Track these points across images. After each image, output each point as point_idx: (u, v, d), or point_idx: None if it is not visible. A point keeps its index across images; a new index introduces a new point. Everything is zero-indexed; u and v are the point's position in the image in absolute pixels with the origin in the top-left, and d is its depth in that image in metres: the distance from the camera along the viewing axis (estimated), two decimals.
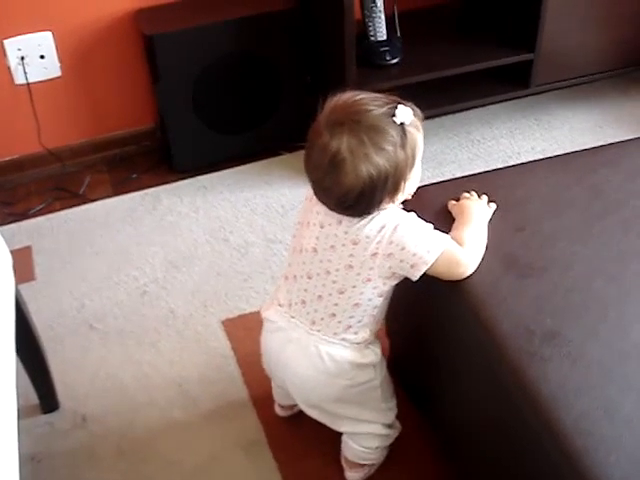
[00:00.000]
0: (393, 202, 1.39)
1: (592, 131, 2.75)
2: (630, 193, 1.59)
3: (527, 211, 1.56)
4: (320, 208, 1.42)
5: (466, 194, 1.58)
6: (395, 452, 1.72)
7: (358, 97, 1.35)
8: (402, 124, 1.32)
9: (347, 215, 1.38)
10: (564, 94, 2.87)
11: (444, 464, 1.71)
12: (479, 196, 1.58)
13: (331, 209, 1.39)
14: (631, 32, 2.67)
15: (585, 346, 1.28)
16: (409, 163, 1.34)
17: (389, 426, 1.65)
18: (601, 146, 1.79)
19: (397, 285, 1.47)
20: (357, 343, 1.48)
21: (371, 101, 1.33)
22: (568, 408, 1.19)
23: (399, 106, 1.33)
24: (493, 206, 1.56)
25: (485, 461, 1.47)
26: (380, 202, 1.36)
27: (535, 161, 1.77)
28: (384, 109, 1.32)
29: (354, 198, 1.33)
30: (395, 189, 1.35)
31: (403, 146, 1.32)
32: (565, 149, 2.53)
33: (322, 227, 1.42)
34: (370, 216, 1.38)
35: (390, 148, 1.31)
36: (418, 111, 1.38)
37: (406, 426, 1.71)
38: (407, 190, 1.40)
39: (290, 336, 1.51)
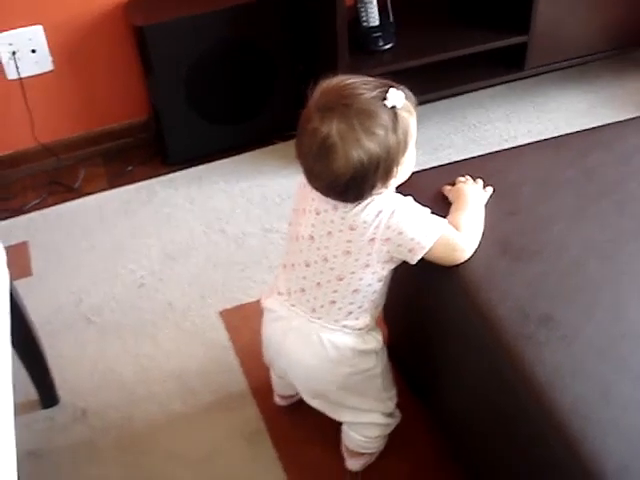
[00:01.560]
0: (386, 187, 1.37)
1: (587, 112, 2.74)
2: (624, 175, 1.58)
3: (521, 194, 1.55)
4: (315, 195, 1.41)
5: (461, 178, 1.58)
6: (395, 440, 1.72)
7: (349, 81, 1.33)
8: (393, 108, 1.30)
9: (340, 200, 1.37)
10: (559, 76, 2.86)
11: (443, 452, 1.71)
12: (474, 180, 1.57)
13: (324, 195, 1.38)
14: (624, 13, 2.65)
15: (580, 329, 1.28)
16: (401, 147, 1.33)
17: (389, 415, 1.64)
18: (594, 128, 1.78)
19: (393, 270, 1.46)
20: (358, 329, 1.48)
21: (362, 85, 1.32)
22: (564, 391, 1.19)
23: (390, 89, 1.31)
24: (489, 190, 1.55)
25: (483, 446, 1.47)
26: (373, 187, 1.34)
27: (529, 144, 1.76)
28: (375, 92, 1.30)
29: (345, 183, 1.31)
30: (387, 174, 1.34)
31: (395, 130, 1.30)
32: (561, 131, 2.51)
33: (318, 214, 1.42)
34: (366, 201, 1.36)
35: (381, 132, 1.29)
36: (410, 94, 1.36)
37: (405, 414, 1.71)
38: (400, 175, 1.38)
39: (291, 325, 1.51)
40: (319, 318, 1.47)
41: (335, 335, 1.47)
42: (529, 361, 1.24)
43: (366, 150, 1.28)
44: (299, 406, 1.74)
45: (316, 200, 1.42)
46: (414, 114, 1.36)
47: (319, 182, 1.36)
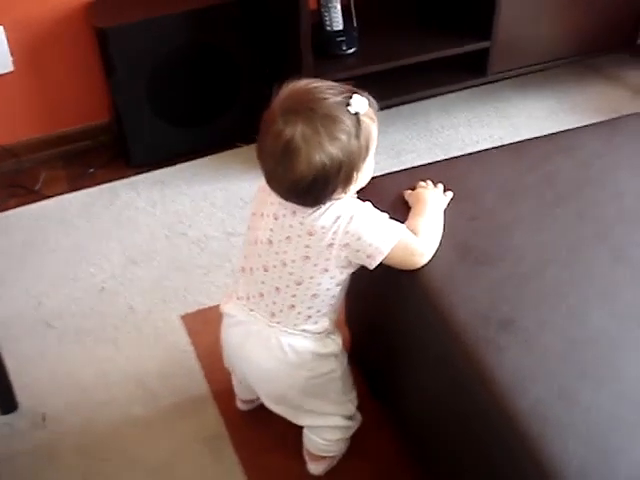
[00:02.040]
0: (345, 192, 1.38)
1: (549, 118, 2.77)
2: (583, 181, 1.60)
3: (482, 200, 1.57)
4: (274, 199, 1.41)
5: (422, 183, 1.58)
6: (357, 443, 1.72)
7: (313, 85, 1.34)
8: (357, 114, 1.31)
9: (299, 204, 1.37)
10: (521, 82, 2.89)
11: (405, 454, 1.72)
12: (435, 185, 1.58)
13: (283, 198, 1.38)
14: (585, 20, 2.69)
15: (540, 333, 1.29)
16: (362, 153, 1.34)
17: (350, 418, 1.65)
18: (554, 133, 1.80)
19: (355, 275, 1.46)
20: (317, 333, 1.48)
21: (326, 89, 1.32)
22: (524, 395, 1.20)
23: (354, 95, 1.31)
24: (449, 195, 1.56)
25: (444, 449, 1.48)
26: (332, 192, 1.35)
27: (489, 149, 1.77)
28: (339, 98, 1.31)
29: (306, 187, 1.31)
30: (348, 179, 1.35)
31: (357, 136, 1.31)
32: (522, 136, 2.51)
33: (276, 218, 1.41)
34: (324, 207, 1.37)
35: (344, 137, 1.30)
36: (373, 101, 1.37)
37: (367, 417, 1.71)
38: (360, 181, 1.39)
39: (250, 329, 1.50)
40: (278, 322, 1.47)
41: (294, 339, 1.47)
42: (489, 365, 1.25)
43: (328, 154, 1.29)
44: (260, 410, 1.73)
45: (275, 204, 1.42)
46: (376, 121, 1.37)
47: (280, 184, 1.36)
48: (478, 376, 1.25)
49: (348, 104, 1.30)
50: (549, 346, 1.27)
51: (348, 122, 1.30)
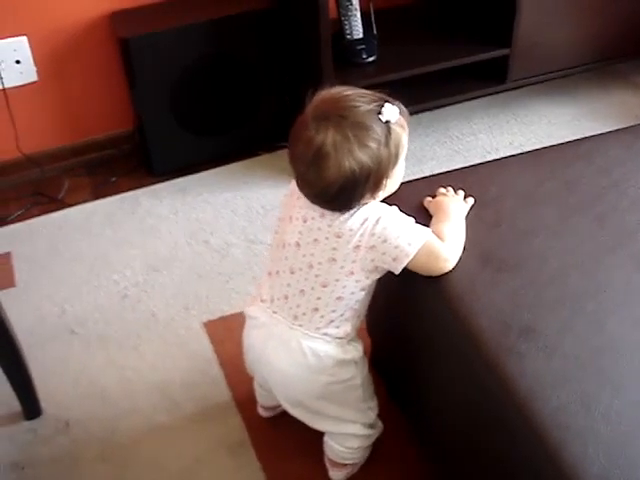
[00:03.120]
0: (374, 198, 1.39)
1: (569, 125, 2.77)
2: (604, 187, 1.60)
3: (503, 207, 1.57)
4: (303, 202, 1.42)
5: (442, 190, 1.59)
6: (378, 451, 1.72)
7: (346, 92, 1.35)
8: (387, 122, 1.32)
9: (328, 209, 1.39)
10: (541, 88, 2.89)
11: (427, 462, 1.72)
12: (455, 192, 1.59)
13: (312, 202, 1.40)
14: (606, 26, 2.69)
15: (561, 340, 1.29)
16: (392, 161, 1.35)
17: (370, 426, 1.65)
18: (575, 140, 1.80)
19: (377, 283, 1.47)
20: (339, 338, 1.48)
21: (358, 97, 1.34)
22: (545, 401, 1.20)
23: (386, 104, 1.33)
24: (470, 201, 1.57)
25: (465, 456, 1.48)
26: (361, 198, 1.36)
27: (510, 157, 1.78)
28: (371, 106, 1.32)
29: (335, 192, 1.33)
30: (376, 186, 1.36)
31: (387, 144, 1.32)
32: (543, 143, 2.54)
33: (305, 221, 1.43)
34: (352, 210, 1.38)
35: (374, 145, 1.31)
36: (404, 110, 1.38)
37: (388, 425, 1.71)
38: (389, 188, 1.41)
39: (272, 332, 1.51)
40: (300, 325, 1.48)
41: (316, 343, 1.47)
42: (510, 372, 1.25)
43: (358, 161, 1.30)
44: (283, 417, 1.74)
45: (304, 208, 1.43)
46: (406, 129, 1.38)
47: (310, 189, 1.38)
48: (499, 383, 1.25)
49: (379, 112, 1.32)
50: (570, 353, 1.27)
51: (378, 130, 1.32)
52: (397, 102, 1.36)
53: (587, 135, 1.85)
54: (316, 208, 1.40)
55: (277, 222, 1.53)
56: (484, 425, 1.34)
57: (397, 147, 1.35)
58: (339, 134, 1.30)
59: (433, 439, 1.66)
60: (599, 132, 1.87)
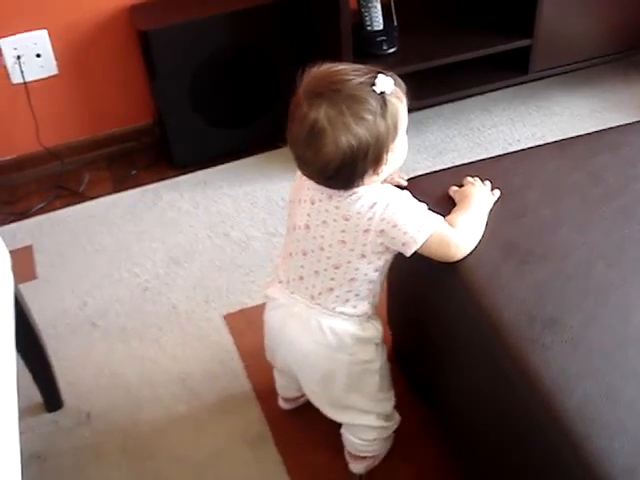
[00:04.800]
0: (377, 174, 1.37)
1: (592, 116, 2.74)
2: (630, 178, 1.58)
3: (527, 198, 1.55)
4: (310, 184, 1.41)
5: (469, 179, 1.57)
6: (399, 443, 1.72)
7: (337, 67, 1.33)
8: (382, 93, 1.30)
9: (332, 187, 1.37)
10: (563, 80, 2.86)
11: (448, 455, 1.71)
12: (482, 182, 1.57)
13: (315, 181, 1.39)
14: (629, 16, 2.66)
15: (586, 332, 1.27)
16: (391, 133, 1.33)
17: (386, 418, 1.63)
18: (600, 131, 1.78)
19: (396, 274, 1.46)
20: (357, 316, 1.48)
21: (351, 71, 1.32)
22: (570, 394, 1.18)
23: (379, 75, 1.31)
24: (497, 193, 1.55)
25: (489, 450, 1.47)
26: (363, 173, 1.34)
27: (533, 147, 1.76)
28: (364, 78, 1.30)
29: (335, 169, 1.31)
30: (377, 160, 1.34)
31: (383, 116, 1.30)
32: (565, 134, 2.50)
33: (313, 203, 1.42)
34: (360, 192, 1.37)
35: (370, 117, 1.29)
36: (400, 81, 1.36)
37: (410, 417, 1.71)
38: (391, 162, 1.38)
39: (291, 311, 1.51)
40: (318, 304, 1.47)
41: (334, 321, 1.47)
42: (535, 364, 1.24)
43: (355, 135, 1.28)
44: (303, 409, 1.74)
45: (311, 190, 1.42)
46: (404, 101, 1.36)
47: (310, 168, 1.37)
48: (523, 375, 1.24)
49: (373, 84, 1.30)
50: (594, 345, 1.26)
51: (373, 102, 1.29)
52: (391, 73, 1.34)
53: (609, 126, 1.83)
54: (323, 190, 1.39)
55: (288, 205, 1.52)
56: (508, 417, 1.33)
57: (395, 119, 1.32)
58: (333, 109, 1.28)
59: (456, 432, 1.65)
60: (622, 123, 1.84)
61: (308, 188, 1.43)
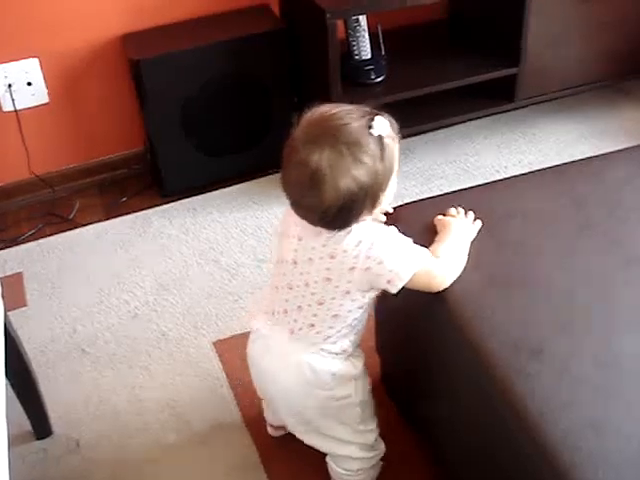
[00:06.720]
0: (371, 214, 1.39)
1: (578, 142, 2.77)
2: (612, 206, 1.60)
3: (511, 226, 1.57)
4: (298, 220, 1.41)
5: (452, 211, 1.59)
6: (387, 467, 1.71)
7: (333, 111, 1.34)
8: (380, 136, 1.32)
9: (327, 229, 1.38)
10: (549, 106, 2.89)
11: (436, 479, 1.71)
12: (466, 212, 1.59)
13: (310, 223, 1.39)
14: (615, 43, 2.69)
15: (570, 361, 1.29)
16: (387, 175, 1.34)
17: (369, 448, 1.62)
18: (583, 159, 1.81)
19: (385, 303, 1.47)
20: (336, 353, 1.48)
21: (347, 114, 1.32)
22: (555, 423, 1.20)
23: (376, 118, 1.32)
24: (478, 224, 1.57)
25: (475, 476, 1.47)
26: (359, 215, 1.36)
27: (518, 176, 1.78)
28: (361, 122, 1.31)
29: (335, 212, 1.32)
30: (374, 201, 1.35)
31: (382, 158, 1.32)
32: (552, 161, 2.54)
33: (300, 239, 1.43)
34: (347, 230, 1.37)
35: (369, 161, 1.30)
36: (393, 121, 1.37)
37: (399, 442, 1.71)
38: (384, 202, 1.40)
39: (270, 344, 1.52)
40: (298, 340, 1.48)
41: (313, 358, 1.47)
42: (520, 393, 1.25)
43: (354, 179, 1.29)
44: (292, 437, 1.73)
45: (299, 226, 1.43)
46: (397, 141, 1.37)
47: (308, 212, 1.37)
48: (509, 404, 1.25)
49: (370, 127, 1.31)
50: (579, 374, 1.27)
51: (372, 145, 1.31)
52: (385, 114, 1.35)
53: (596, 153, 1.86)
54: (312, 227, 1.39)
55: (277, 237, 1.53)
56: (495, 446, 1.34)
57: (391, 160, 1.34)
58: (333, 154, 1.28)
59: (444, 457, 1.65)
60: (608, 150, 1.87)
61: (296, 224, 1.43)
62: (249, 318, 1.60)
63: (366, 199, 1.33)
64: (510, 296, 1.42)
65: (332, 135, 1.30)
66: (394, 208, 1.62)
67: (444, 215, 1.58)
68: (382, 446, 1.66)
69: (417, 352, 1.62)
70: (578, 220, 1.58)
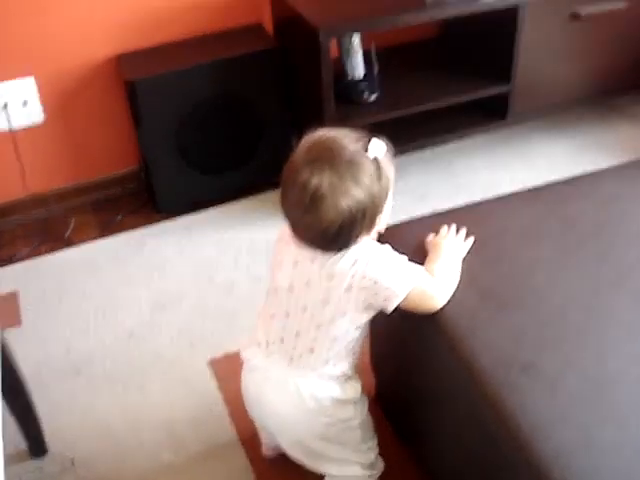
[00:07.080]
0: (369, 235, 1.41)
1: (571, 159, 2.79)
2: (604, 223, 1.61)
3: (503, 244, 1.58)
4: (293, 247, 1.43)
5: (443, 230, 1.60)
6: None
7: (331, 134, 1.37)
8: (376, 158, 1.35)
9: (325, 250, 1.39)
10: (542, 123, 2.92)
11: None
12: (457, 230, 1.60)
13: (309, 245, 1.40)
14: (606, 60, 2.72)
15: (562, 377, 1.30)
16: (384, 196, 1.37)
17: (370, 466, 1.63)
18: (574, 177, 1.82)
19: (379, 321, 1.48)
20: (336, 377, 1.49)
21: (344, 138, 1.35)
22: (546, 440, 1.20)
23: (372, 141, 1.35)
24: (470, 241, 1.58)
25: None
26: (358, 236, 1.37)
27: (510, 194, 1.79)
28: (359, 145, 1.34)
29: (334, 233, 1.34)
30: (372, 222, 1.37)
31: (379, 179, 1.34)
32: (544, 178, 2.52)
33: (296, 264, 1.44)
34: (343, 251, 1.39)
35: (367, 182, 1.33)
36: (389, 144, 1.40)
37: (393, 461, 1.71)
38: (381, 223, 1.42)
39: (268, 375, 1.52)
40: (297, 367, 1.49)
41: (313, 384, 1.48)
42: (512, 409, 1.26)
43: (354, 199, 1.31)
44: (287, 457, 1.74)
45: (294, 252, 1.44)
46: (392, 163, 1.40)
47: (307, 233, 1.38)
48: (500, 421, 1.26)
49: (367, 149, 1.34)
50: (571, 390, 1.28)
51: (370, 167, 1.33)
52: (380, 137, 1.38)
53: (588, 169, 1.87)
54: (306, 252, 1.41)
55: (270, 269, 1.54)
56: (485, 463, 1.34)
57: (387, 182, 1.37)
58: (334, 175, 1.31)
59: (438, 475, 1.66)
60: (600, 166, 1.88)
61: (290, 251, 1.44)
62: (242, 349, 1.60)
63: (364, 219, 1.35)
64: (501, 313, 1.43)
65: (331, 157, 1.33)
66: (386, 227, 1.63)
67: (436, 234, 1.60)
68: (381, 464, 1.67)
69: (410, 371, 1.63)
70: (569, 237, 1.59)
